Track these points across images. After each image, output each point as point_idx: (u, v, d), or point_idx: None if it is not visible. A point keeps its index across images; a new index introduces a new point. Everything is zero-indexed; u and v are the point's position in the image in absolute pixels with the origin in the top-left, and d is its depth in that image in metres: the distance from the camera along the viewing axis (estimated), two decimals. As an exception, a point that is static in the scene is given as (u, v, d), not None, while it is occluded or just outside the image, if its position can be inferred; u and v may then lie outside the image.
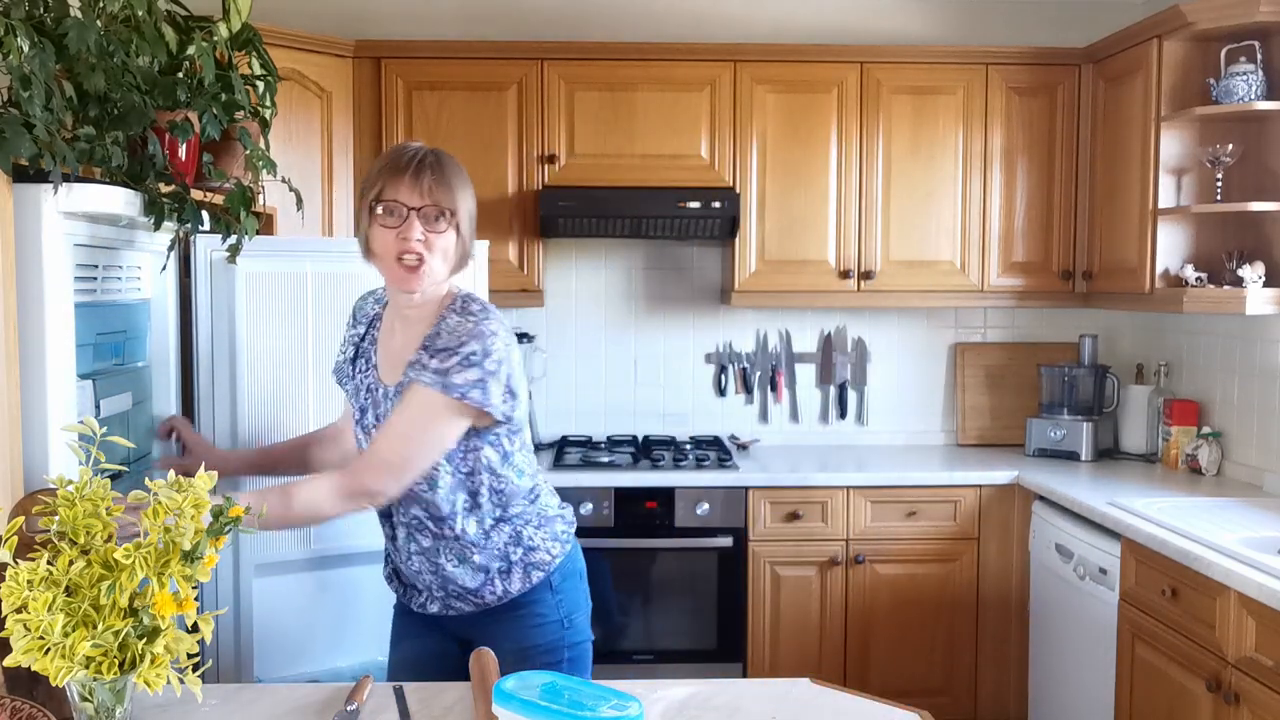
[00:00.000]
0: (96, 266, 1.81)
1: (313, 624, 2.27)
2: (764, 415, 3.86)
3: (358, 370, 1.89)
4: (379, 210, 1.73)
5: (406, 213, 1.72)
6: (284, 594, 2.23)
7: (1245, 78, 2.94)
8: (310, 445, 2.07)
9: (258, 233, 2.04)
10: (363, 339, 1.90)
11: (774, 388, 3.84)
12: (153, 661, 1.24)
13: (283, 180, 2.19)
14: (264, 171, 2.07)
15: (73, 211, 1.63)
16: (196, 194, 1.93)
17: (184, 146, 1.88)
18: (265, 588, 2.22)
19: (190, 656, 1.29)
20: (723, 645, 3.29)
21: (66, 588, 1.23)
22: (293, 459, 2.04)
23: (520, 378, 1.79)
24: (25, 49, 1.44)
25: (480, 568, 1.81)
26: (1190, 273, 3.07)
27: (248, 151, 2.02)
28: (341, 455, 2.01)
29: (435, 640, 1.91)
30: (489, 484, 1.80)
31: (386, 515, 1.87)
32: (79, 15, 1.60)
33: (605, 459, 3.42)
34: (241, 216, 1.99)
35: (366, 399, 1.85)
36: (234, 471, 2.02)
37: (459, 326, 1.73)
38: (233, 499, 1.37)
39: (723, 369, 3.83)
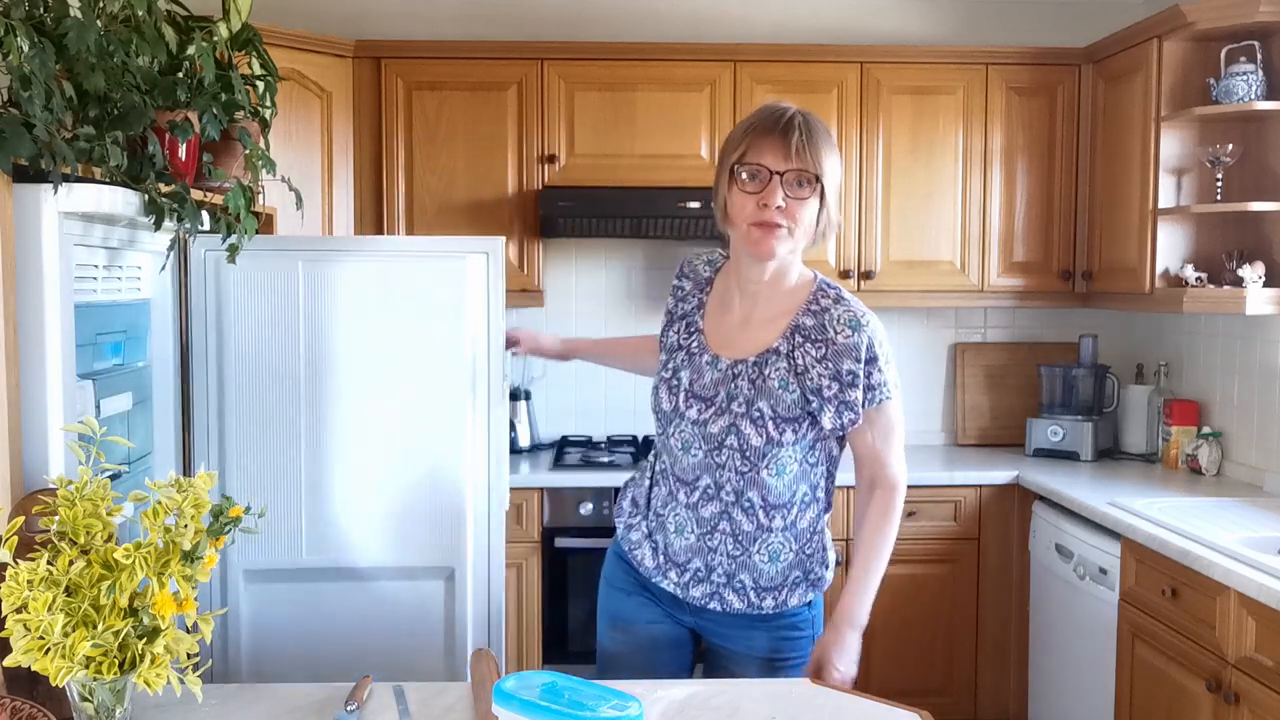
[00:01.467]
0: (96, 266, 1.81)
1: (302, 636, 2.20)
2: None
3: (675, 330, 1.87)
4: (742, 175, 1.69)
5: (770, 176, 1.66)
6: (276, 603, 2.18)
7: (1245, 78, 2.94)
8: (643, 351, 2.11)
9: (257, 232, 2.04)
10: (687, 297, 1.88)
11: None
12: (153, 661, 1.24)
13: (282, 180, 2.19)
14: (263, 171, 2.06)
15: (72, 211, 1.63)
16: (196, 194, 1.93)
17: (184, 146, 1.88)
18: (256, 595, 2.16)
19: (190, 656, 1.29)
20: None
21: (66, 588, 1.23)
22: (627, 355, 2.15)
23: None
24: (25, 49, 1.44)
25: (790, 566, 1.79)
26: (1190, 273, 3.07)
27: (246, 151, 2.02)
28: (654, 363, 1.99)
29: (670, 624, 1.88)
30: (824, 481, 1.81)
31: (687, 481, 1.81)
32: (79, 15, 1.60)
33: (605, 459, 3.42)
34: (241, 216, 1.99)
35: (684, 361, 1.81)
36: (578, 356, 2.21)
37: (852, 321, 1.71)
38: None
39: (723, 369, 3.83)
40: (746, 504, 1.77)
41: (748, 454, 1.73)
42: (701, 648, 1.92)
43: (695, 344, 1.81)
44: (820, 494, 1.81)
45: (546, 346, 2.34)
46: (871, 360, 1.70)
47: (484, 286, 2.08)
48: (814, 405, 1.71)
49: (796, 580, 1.81)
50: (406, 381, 2.10)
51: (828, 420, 1.72)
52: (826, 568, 1.84)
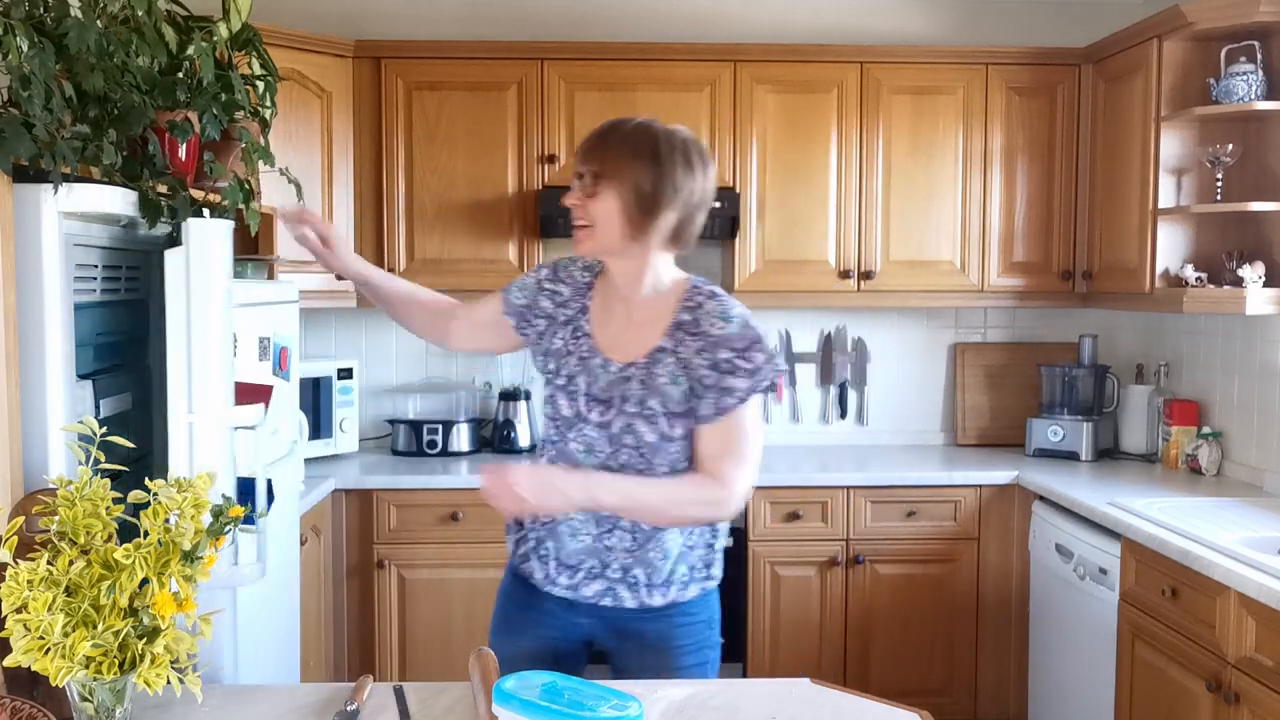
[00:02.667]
0: (96, 266, 1.81)
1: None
2: (764, 415, 3.86)
3: (560, 336, 1.89)
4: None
5: (577, 177, 1.79)
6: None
7: (1245, 78, 2.94)
8: (414, 303, 2.08)
9: (257, 232, 2.04)
10: (566, 302, 1.91)
11: (773, 388, 3.83)
12: (153, 661, 1.24)
13: (280, 172, 2.19)
14: (260, 163, 2.06)
15: (72, 211, 1.63)
16: (197, 193, 1.93)
17: (184, 146, 1.88)
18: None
19: (190, 657, 1.29)
20: (722, 645, 3.28)
21: (66, 588, 1.23)
22: (395, 301, 2.08)
23: None
24: (25, 49, 1.44)
25: (679, 561, 1.82)
26: (1190, 273, 3.07)
27: (243, 145, 2.02)
28: (425, 327, 2.07)
29: (561, 629, 1.89)
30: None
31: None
32: (79, 15, 1.60)
33: (605, 459, 3.41)
34: (244, 213, 1.99)
35: (578, 367, 1.84)
36: (352, 276, 2.06)
37: (723, 315, 1.76)
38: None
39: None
40: None
41: (643, 451, 1.78)
42: (594, 652, 1.93)
43: (585, 348, 1.85)
44: None
45: (330, 252, 2.06)
46: (746, 348, 1.75)
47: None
48: (697, 392, 1.76)
49: (687, 577, 1.84)
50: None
51: (705, 406, 1.75)
52: (712, 564, 1.88)
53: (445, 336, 2.07)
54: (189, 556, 1.28)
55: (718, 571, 1.91)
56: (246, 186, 2.00)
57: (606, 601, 1.84)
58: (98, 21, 1.64)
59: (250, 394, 2.04)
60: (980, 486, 3.31)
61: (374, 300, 2.10)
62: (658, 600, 1.83)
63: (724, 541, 1.91)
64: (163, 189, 1.82)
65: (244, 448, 1.90)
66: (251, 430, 1.91)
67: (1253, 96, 2.94)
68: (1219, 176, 3.03)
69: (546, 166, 3.43)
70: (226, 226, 1.88)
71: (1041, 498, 3.18)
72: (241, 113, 2.05)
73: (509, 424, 3.63)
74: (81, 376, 1.72)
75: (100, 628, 1.22)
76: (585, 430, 1.82)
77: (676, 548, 1.82)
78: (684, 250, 1.84)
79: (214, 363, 1.84)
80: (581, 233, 1.79)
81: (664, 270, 1.84)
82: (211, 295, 1.82)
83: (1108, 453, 3.63)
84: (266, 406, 2.09)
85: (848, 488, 3.28)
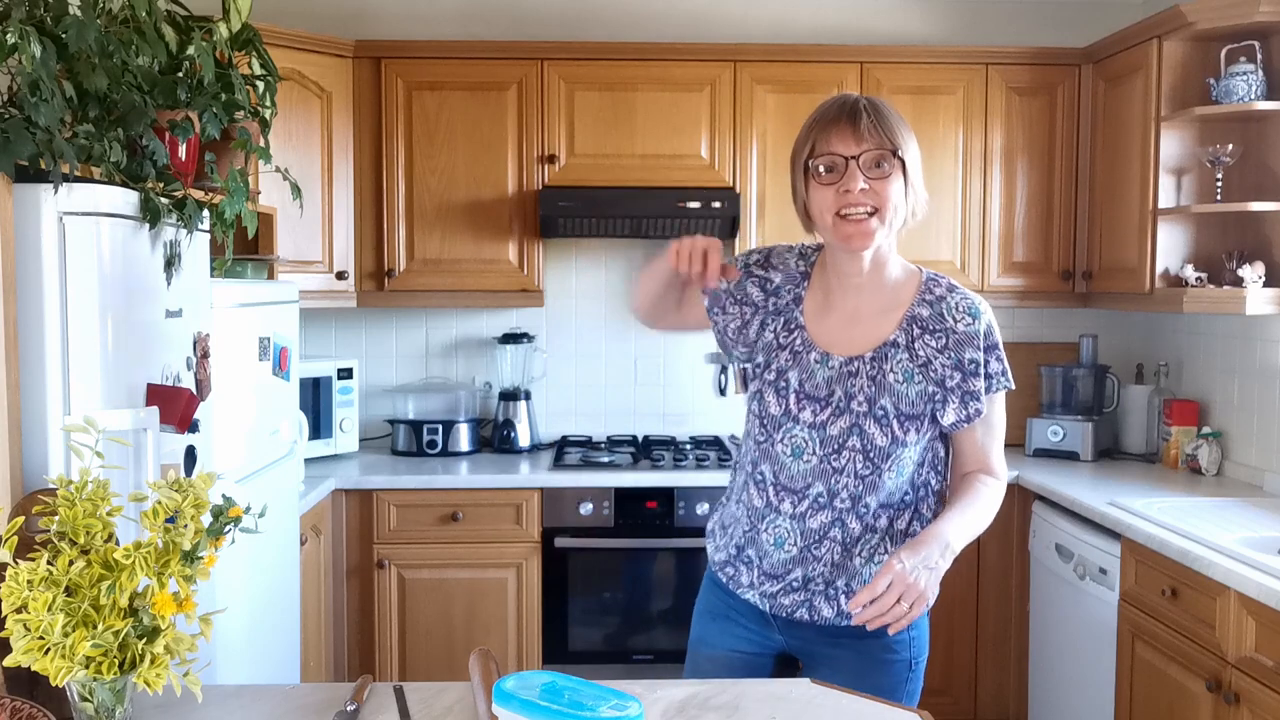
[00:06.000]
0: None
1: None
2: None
3: (768, 326, 1.74)
4: (818, 168, 1.61)
5: (845, 163, 1.60)
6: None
7: (1245, 78, 2.94)
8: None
9: (257, 232, 2.04)
10: (779, 290, 1.75)
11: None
12: (153, 661, 1.24)
13: (277, 169, 2.20)
14: (259, 162, 2.07)
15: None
16: (197, 193, 1.93)
17: (184, 146, 1.88)
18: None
19: (190, 657, 1.29)
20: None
21: (66, 588, 1.23)
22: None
23: None
24: (37, 54, 1.44)
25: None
26: (1190, 273, 3.07)
27: (235, 141, 2.02)
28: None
29: (753, 647, 1.80)
30: (926, 485, 1.72)
31: (795, 490, 1.70)
32: (78, 14, 1.60)
33: (605, 459, 3.42)
34: (242, 213, 1.99)
35: (789, 362, 1.70)
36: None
37: (971, 309, 1.67)
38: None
39: (723, 369, 3.83)
40: (862, 510, 1.68)
41: (871, 455, 1.65)
42: (795, 667, 1.84)
43: (799, 342, 1.71)
44: (921, 495, 1.72)
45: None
46: (990, 348, 1.67)
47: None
48: (938, 397, 1.65)
49: None
50: None
51: (951, 414, 1.65)
52: None
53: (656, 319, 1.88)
54: (189, 556, 1.28)
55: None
56: (243, 178, 2.00)
57: (801, 614, 1.73)
58: (98, 21, 1.64)
59: (166, 398, 1.82)
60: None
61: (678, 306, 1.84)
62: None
63: None
64: (163, 189, 1.82)
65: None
66: (128, 445, 1.63)
67: (1253, 96, 2.94)
68: (1219, 176, 3.03)
69: (546, 166, 3.43)
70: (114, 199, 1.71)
71: (1041, 498, 3.18)
72: (241, 112, 2.05)
73: (509, 424, 3.63)
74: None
75: (100, 628, 1.22)
76: (795, 431, 1.69)
77: (882, 554, 1.69)
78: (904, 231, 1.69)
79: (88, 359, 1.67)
80: (870, 222, 1.60)
81: (895, 257, 1.71)
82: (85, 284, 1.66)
83: (1108, 453, 3.63)
84: (188, 418, 1.82)
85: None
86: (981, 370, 1.65)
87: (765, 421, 1.73)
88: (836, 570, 1.71)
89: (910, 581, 1.50)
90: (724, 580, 1.83)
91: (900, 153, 1.61)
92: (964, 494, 1.68)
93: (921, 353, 1.65)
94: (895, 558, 1.52)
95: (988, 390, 1.66)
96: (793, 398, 1.69)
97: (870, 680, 1.69)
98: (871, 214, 1.61)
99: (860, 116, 1.60)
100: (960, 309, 1.67)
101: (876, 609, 1.50)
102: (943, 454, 1.75)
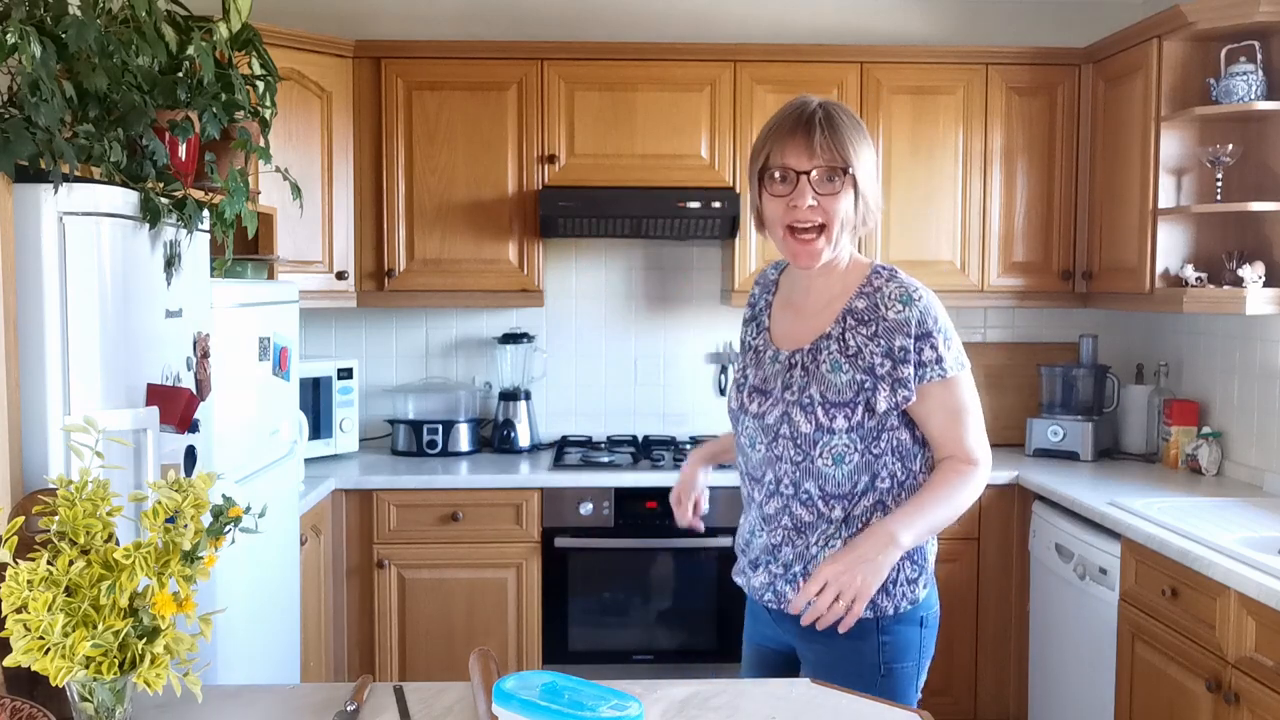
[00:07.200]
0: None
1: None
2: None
3: (748, 333, 1.90)
4: (774, 175, 1.67)
5: (797, 177, 1.65)
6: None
7: (1245, 78, 2.94)
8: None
9: (257, 232, 2.04)
10: (757, 302, 1.90)
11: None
12: (153, 661, 1.24)
13: (277, 169, 2.20)
14: (259, 161, 2.07)
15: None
16: (197, 193, 1.93)
17: (184, 146, 1.88)
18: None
19: (190, 657, 1.29)
20: (722, 645, 3.29)
21: (66, 588, 1.23)
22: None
23: None
24: (38, 54, 1.44)
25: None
26: (1190, 273, 3.07)
27: (235, 141, 2.02)
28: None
29: (770, 644, 1.89)
30: (892, 477, 1.72)
31: (757, 479, 1.79)
32: (78, 14, 1.60)
33: (605, 459, 3.42)
34: (242, 213, 1.99)
35: (752, 360, 1.82)
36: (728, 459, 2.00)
37: (903, 296, 1.67)
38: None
39: (723, 369, 3.83)
40: (804, 496, 1.73)
41: (799, 443, 1.71)
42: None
43: (761, 342, 1.83)
44: (883, 485, 1.72)
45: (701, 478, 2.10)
46: (924, 336, 1.66)
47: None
48: (868, 385, 1.67)
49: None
50: None
51: (882, 400, 1.67)
52: (888, 589, 1.72)
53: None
54: (189, 556, 1.28)
55: (910, 591, 1.74)
56: (243, 178, 2.00)
57: (768, 599, 1.80)
58: (98, 20, 1.64)
59: (166, 398, 1.81)
60: (980, 486, 3.30)
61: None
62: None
63: (914, 568, 1.75)
64: (163, 189, 1.82)
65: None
66: (128, 445, 1.63)
67: (1253, 96, 2.94)
68: (1219, 176, 3.03)
69: (546, 166, 3.43)
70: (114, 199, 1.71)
71: (1041, 498, 3.18)
72: (241, 112, 2.05)
73: (509, 424, 3.63)
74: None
75: (100, 628, 1.22)
76: (746, 422, 1.79)
77: (839, 543, 1.71)
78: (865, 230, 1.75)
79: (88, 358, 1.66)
80: (817, 241, 1.67)
81: (845, 255, 1.75)
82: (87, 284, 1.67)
83: (1108, 453, 3.63)
84: (188, 418, 1.82)
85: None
86: (912, 358, 1.66)
87: (731, 416, 1.87)
88: (797, 557, 1.76)
89: (844, 580, 1.58)
90: (734, 575, 1.93)
91: (851, 168, 1.66)
92: (927, 484, 1.72)
93: (852, 342, 1.69)
94: (828, 561, 1.61)
95: (920, 380, 1.67)
96: (746, 392, 1.81)
97: (837, 675, 1.68)
98: (820, 231, 1.67)
99: (815, 131, 1.65)
100: (893, 297, 1.68)
101: (815, 609, 1.59)
102: (911, 445, 1.75)
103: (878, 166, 1.76)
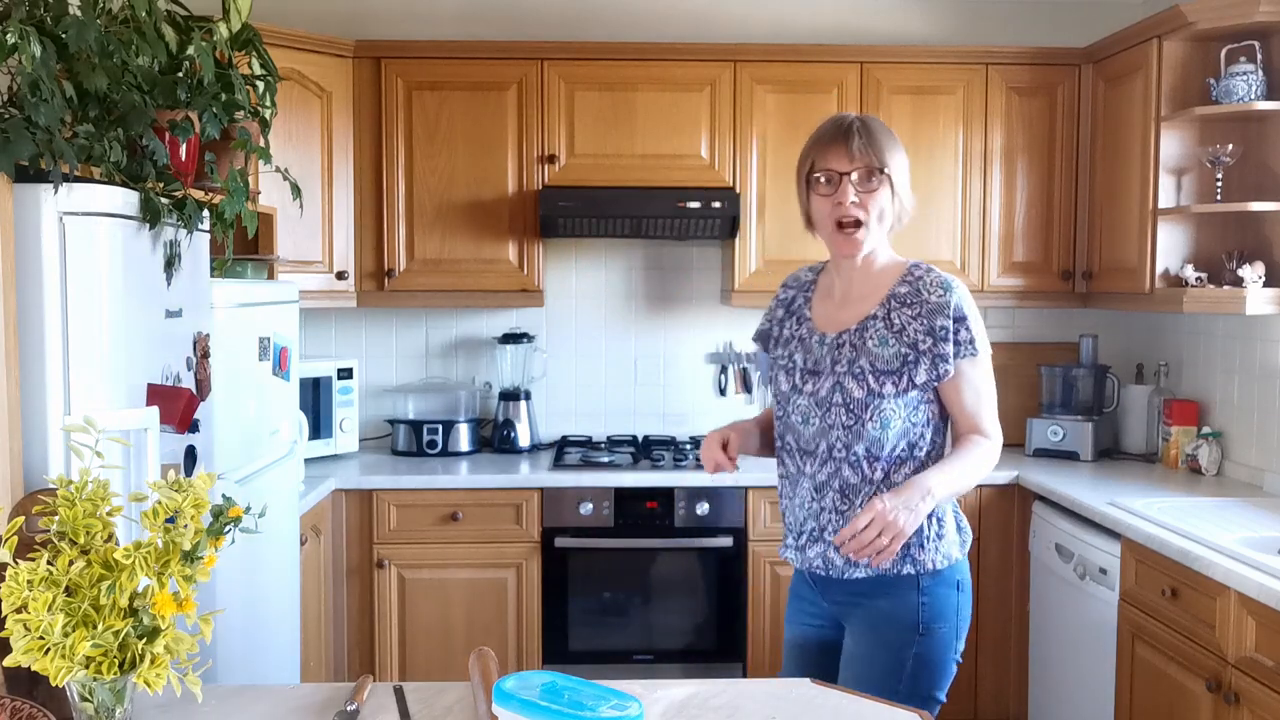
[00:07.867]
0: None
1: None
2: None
3: (785, 327, 2.05)
4: (819, 180, 1.90)
5: (840, 178, 1.87)
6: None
7: (1245, 78, 2.94)
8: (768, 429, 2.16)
9: (257, 232, 2.04)
10: (792, 300, 2.08)
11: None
12: (153, 661, 1.24)
13: (277, 169, 2.20)
14: (259, 161, 2.07)
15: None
16: (197, 193, 1.94)
17: (184, 146, 1.88)
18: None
19: (190, 657, 1.29)
20: (723, 645, 3.29)
21: (66, 588, 1.23)
22: (768, 435, 2.15)
23: None
24: (38, 54, 1.44)
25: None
26: (1190, 273, 3.07)
27: (235, 141, 2.02)
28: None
29: (816, 620, 2.02)
30: (926, 443, 1.91)
31: (810, 451, 1.94)
32: (78, 14, 1.60)
33: (605, 459, 3.42)
34: (242, 213, 1.99)
35: (797, 346, 1.99)
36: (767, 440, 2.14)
37: (943, 284, 1.89)
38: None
39: (723, 369, 3.83)
40: (853, 458, 1.90)
41: (852, 407, 1.89)
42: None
43: (805, 331, 2.00)
44: (919, 454, 1.90)
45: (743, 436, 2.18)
46: (961, 319, 1.87)
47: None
48: (911, 358, 1.87)
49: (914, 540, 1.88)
50: None
51: (922, 373, 1.87)
52: (923, 545, 1.88)
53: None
54: (189, 557, 1.28)
55: (939, 556, 1.90)
56: (243, 179, 2.00)
57: (818, 566, 1.94)
58: (98, 21, 1.64)
59: (166, 398, 1.81)
60: (980, 486, 3.30)
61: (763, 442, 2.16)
62: (863, 565, 1.87)
63: (941, 527, 1.92)
64: (163, 189, 1.82)
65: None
66: (128, 445, 1.61)
67: (1253, 96, 2.94)
68: (1219, 176, 3.03)
69: (546, 166, 3.43)
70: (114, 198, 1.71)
71: (1041, 498, 3.18)
72: (241, 112, 2.05)
73: (509, 424, 3.63)
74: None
75: (100, 628, 1.22)
76: (798, 401, 1.96)
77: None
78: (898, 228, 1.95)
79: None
80: (859, 233, 1.89)
81: (884, 251, 1.97)
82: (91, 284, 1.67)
83: (1108, 453, 3.63)
84: (188, 418, 1.83)
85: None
86: (950, 336, 1.87)
87: (779, 398, 2.02)
88: (843, 519, 1.91)
89: (889, 519, 1.74)
90: (781, 552, 2.07)
91: (887, 169, 1.88)
92: (954, 451, 1.93)
93: (896, 320, 1.90)
94: (879, 498, 1.77)
95: (956, 355, 1.88)
96: (798, 374, 1.98)
97: (880, 634, 1.89)
98: (861, 225, 1.90)
99: (853, 138, 1.88)
100: (934, 284, 1.91)
101: (857, 542, 1.74)
102: (939, 419, 1.94)
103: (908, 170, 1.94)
